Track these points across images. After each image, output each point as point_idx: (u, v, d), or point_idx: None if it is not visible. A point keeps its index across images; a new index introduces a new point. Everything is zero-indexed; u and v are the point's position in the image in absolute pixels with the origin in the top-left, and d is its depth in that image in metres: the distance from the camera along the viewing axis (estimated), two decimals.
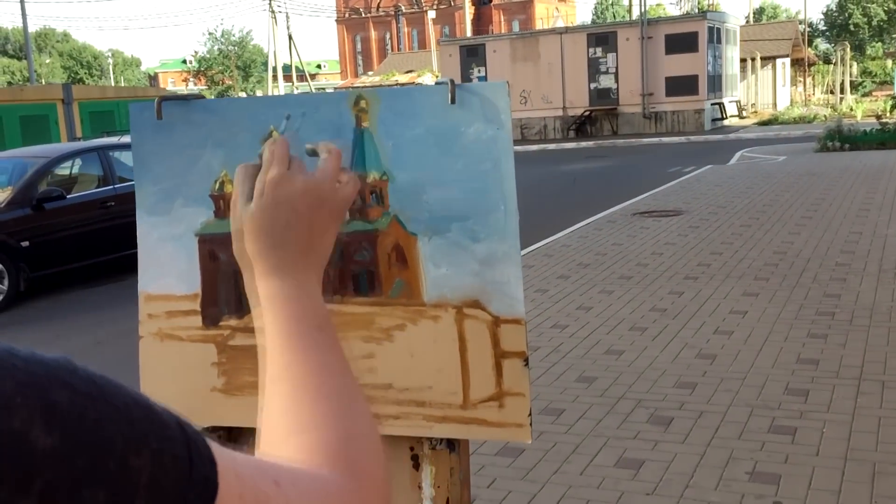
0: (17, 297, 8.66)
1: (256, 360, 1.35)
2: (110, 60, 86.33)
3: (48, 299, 8.92)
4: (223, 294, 1.33)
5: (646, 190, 14.03)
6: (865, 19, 67.25)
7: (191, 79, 79.25)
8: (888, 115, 22.14)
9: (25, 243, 8.84)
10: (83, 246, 9.43)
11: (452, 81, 1.19)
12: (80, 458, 0.48)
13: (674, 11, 63.43)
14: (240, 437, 1.37)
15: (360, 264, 1.25)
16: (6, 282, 8.57)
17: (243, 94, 56.44)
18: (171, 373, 1.35)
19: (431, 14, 61.15)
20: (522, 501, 3.63)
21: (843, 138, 19.03)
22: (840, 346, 5.31)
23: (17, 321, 8.11)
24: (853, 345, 5.31)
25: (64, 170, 10.15)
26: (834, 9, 70.98)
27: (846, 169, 15.02)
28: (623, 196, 13.32)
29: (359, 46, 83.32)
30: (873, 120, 22.63)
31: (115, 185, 9.93)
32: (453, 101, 1.20)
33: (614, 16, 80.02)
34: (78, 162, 10.27)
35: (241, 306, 1.32)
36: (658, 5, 68.36)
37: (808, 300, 6.41)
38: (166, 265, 1.35)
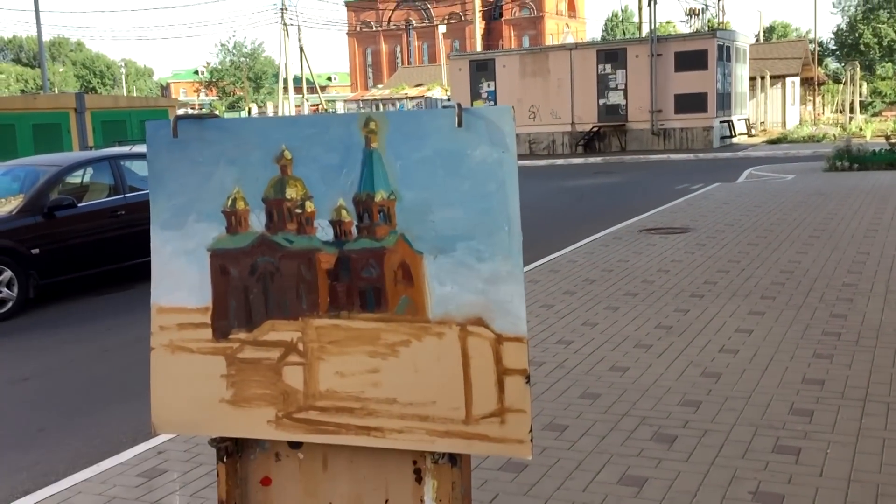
0: (26, 303, 8.72)
1: (264, 373, 1.38)
2: (123, 70, 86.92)
3: (57, 306, 8.97)
4: (233, 308, 1.36)
5: (653, 207, 14.04)
6: (876, 39, 67.25)
7: (202, 89, 79.72)
8: None
9: (36, 250, 8.90)
10: (93, 254, 9.50)
11: (460, 105, 1.22)
12: None
13: (684, 29, 63.59)
14: (245, 447, 1.40)
15: (367, 281, 1.28)
16: (16, 288, 8.63)
17: (254, 106, 56.72)
18: (181, 384, 1.38)
19: (442, 28, 61.41)
20: None
21: (852, 158, 19.01)
22: (846, 366, 5.30)
23: (26, 327, 8.16)
24: (859, 366, 5.30)
25: (76, 178, 10.23)
26: (844, 28, 71.03)
27: (854, 189, 15.00)
28: (630, 212, 13.33)
29: (369, 59, 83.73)
30: (882, 140, 22.61)
31: (126, 195, 10.00)
32: (460, 125, 1.23)
33: (624, 33, 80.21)
34: (90, 171, 10.35)
35: (250, 320, 1.35)
36: (668, 23, 68.51)
37: (814, 320, 6.41)
38: (179, 279, 1.38)
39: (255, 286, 1.36)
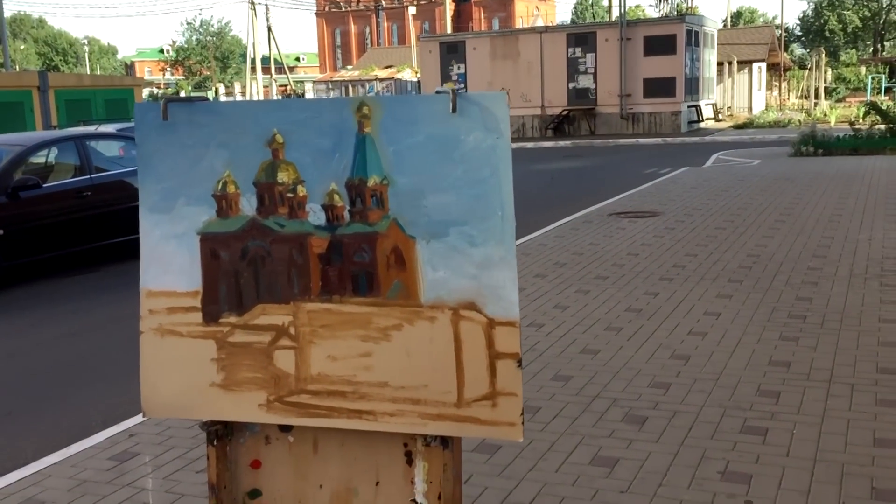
0: None
1: (255, 357, 1.38)
2: (86, 48, 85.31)
3: (23, 289, 8.84)
4: (224, 292, 1.36)
5: (622, 190, 14.14)
6: (840, 26, 68.10)
7: (168, 69, 78.53)
8: (861, 121, 22.44)
9: (0, 232, 8.74)
10: (59, 236, 9.36)
11: (454, 91, 1.23)
12: None
13: (653, 13, 63.80)
14: (236, 430, 1.40)
15: (360, 265, 1.28)
16: None
17: (221, 86, 56.02)
18: (170, 368, 1.37)
19: (412, 10, 61.05)
20: (498, 498, 3.67)
21: (816, 144, 19.28)
22: (811, 348, 5.41)
23: None
24: (824, 348, 5.40)
25: (40, 158, 10.05)
26: (810, 14, 71.79)
27: (819, 174, 15.23)
28: (600, 196, 13.41)
29: (338, 40, 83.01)
30: (846, 126, 22.95)
31: (92, 175, 9.85)
32: (454, 110, 1.24)
33: (594, 16, 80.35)
34: (54, 151, 10.17)
35: (241, 304, 1.35)
36: (637, 7, 68.69)
37: (780, 303, 6.51)
38: (168, 262, 1.37)
39: (246, 270, 1.36)
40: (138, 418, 4.84)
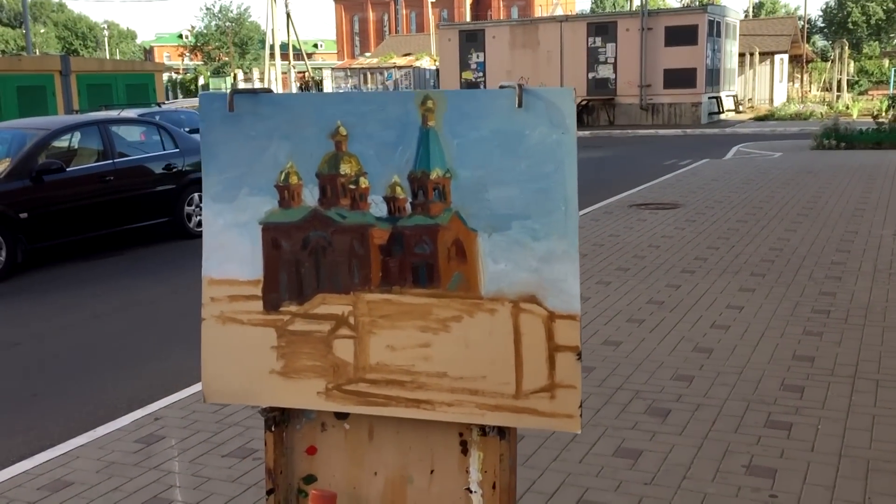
0: (14, 268, 8.66)
1: (314, 345, 1.40)
2: (106, 32, 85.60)
3: (45, 272, 8.93)
4: (284, 281, 1.38)
5: (642, 182, 14.09)
6: (864, 17, 67.32)
7: (187, 54, 78.72)
8: (884, 114, 22.21)
9: (24, 215, 8.83)
10: (81, 220, 9.44)
11: (520, 86, 1.24)
12: None
13: (674, 3, 63.33)
14: (292, 417, 1.42)
15: (420, 257, 1.30)
16: (4, 253, 8.57)
17: (240, 72, 56.11)
18: (231, 355, 1.39)
19: None
20: (522, 488, 3.69)
21: (839, 137, 19.12)
22: (835, 343, 5.39)
23: (15, 292, 8.12)
24: (848, 343, 5.38)
25: (63, 142, 10.12)
26: (833, 6, 71.00)
27: (842, 167, 15.10)
28: (620, 187, 13.37)
29: (356, 27, 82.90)
30: (869, 119, 22.72)
31: (115, 160, 9.92)
32: (520, 105, 1.24)
33: (614, 5, 79.79)
34: (77, 135, 10.24)
35: (301, 293, 1.37)
36: None
37: (803, 297, 6.49)
38: (230, 251, 1.39)
39: (307, 260, 1.38)
40: (163, 402, 4.90)
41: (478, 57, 33.01)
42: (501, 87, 1.27)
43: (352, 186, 1.35)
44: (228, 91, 1.30)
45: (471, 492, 1.32)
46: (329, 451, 1.42)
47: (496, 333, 1.28)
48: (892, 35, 68.65)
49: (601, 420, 4.35)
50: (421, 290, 1.30)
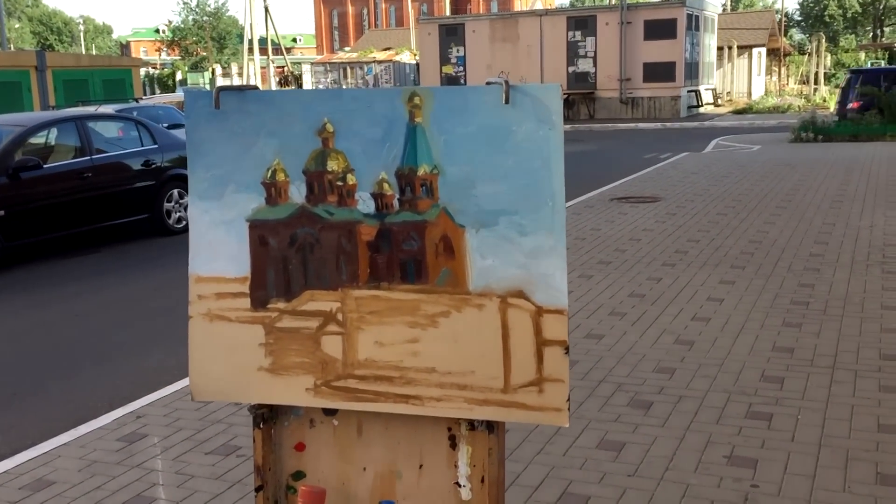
0: None
1: (302, 342, 1.41)
2: (81, 27, 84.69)
3: (24, 270, 8.84)
4: (272, 278, 1.38)
5: (623, 175, 14.16)
6: (840, 11, 67.92)
7: (164, 49, 78.11)
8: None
9: (1, 212, 8.74)
10: (60, 217, 9.35)
11: (507, 82, 1.24)
12: None
13: None
14: (280, 413, 1.42)
15: (408, 253, 1.30)
16: None
17: (217, 67, 55.75)
18: (219, 352, 1.39)
19: None
20: (507, 481, 3.70)
21: (816, 130, 19.30)
22: (814, 335, 5.45)
23: None
24: (827, 334, 5.44)
25: (40, 139, 10.02)
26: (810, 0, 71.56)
27: (819, 160, 15.25)
28: (601, 181, 13.43)
29: (335, 21, 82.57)
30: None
31: (93, 157, 9.83)
32: (507, 101, 1.25)
33: (594, 0, 79.94)
34: (54, 131, 10.14)
35: (289, 290, 1.37)
36: None
37: (782, 289, 6.55)
38: (217, 248, 1.39)
39: (295, 257, 1.38)
40: (145, 400, 4.87)
41: (458, 51, 33.01)
42: (488, 83, 1.27)
43: (339, 183, 1.35)
44: (212, 88, 1.30)
45: (459, 486, 1.33)
46: (318, 447, 1.43)
47: (484, 328, 1.29)
48: (868, 28, 69.32)
49: (585, 413, 4.37)
50: (409, 286, 1.31)
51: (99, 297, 7.62)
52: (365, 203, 1.35)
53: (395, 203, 1.34)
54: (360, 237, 1.35)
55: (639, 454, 3.88)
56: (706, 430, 4.09)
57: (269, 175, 1.37)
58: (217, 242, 1.38)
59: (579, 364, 5.08)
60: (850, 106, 21.07)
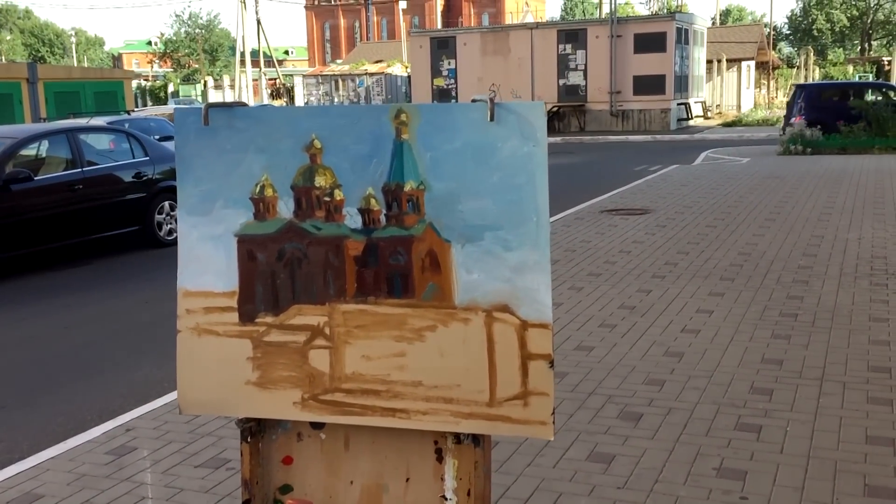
0: None
1: (290, 356, 1.42)
2: (73, 39, 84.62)
3: (14, 282, 8.81)
4: (260, 292, 1.39)
5: (613, 188, 14.21)
6: (828, 25, 68.49)
7: (156, 61, 78.13)
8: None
9: None
10: (50, 229, 9.33)
11: (492, 100, 1.26)
12: None
13: (643, 11, 63.93)
14: (268, 427, 1.43)
15: (395, 268, 1.31)
16: None
17: (210, 79, 55.79)
18: (207, 366, 1.40)
19: (402, 4, 60.92)
20: (496, 494, 3.70)
21: (805, 142, 19.42)
22: (803, 346, 5.47)
23: None
24: (815, 346, 5.47)
25: (31, 151, 10.01)
26: (798, 13, 72.15)
27: (808, 173, 15.34)
28: (591, 193, 13.48)
29: (328, 34, 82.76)
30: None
31: (84, 169, 9.82)
32: (492, 119, 1.27)
33: (584, 13, 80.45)
34: (46, 144, 10.13)
35: (277, 304, 1.38)
36: (627, 3, 68.77)
37: (772, 301, 6.58)
38: (205, 263, 1.40)
39: (283, 271, 1.39)
40: (135, 413, 4.86)
41: (449, 64, 33.12)
42: (474, 100, 1.29)
43: (327, 199, 1.37)
44: (204, 100, 1.31)
45: (446, 499, 1.34)
46: (305, 460, 1.44)
47: (470, 342, 1.30)
48: (855, 42, 69.90)
49: (574, 425, 4.38)
50: (396, 301, 1.32)
51: (89, 309, 7.59)
52: (352, 218, 1.36)
53: (382, 218, 1.35)
54: (347, 252, 1.36)
55: (628, 466, 3.89)
56: (696, 442, 4.11)
57: (257, 190, 1.38)
58: (206, 257, 1.40)
59: (569, 376, 5.09)
60: (793, 120, 21.76)
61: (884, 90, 22.73)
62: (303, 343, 1.38)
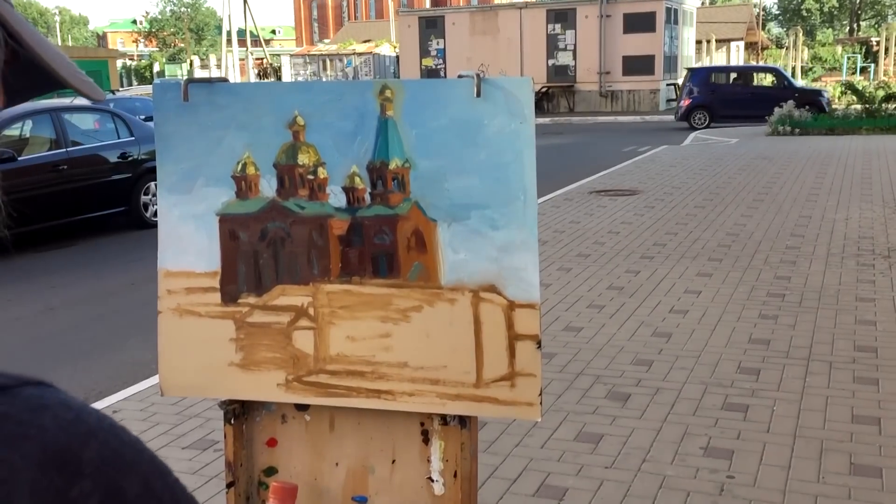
0: None
1: (273, 337, 1.40)
2: (57, 18, 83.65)
3: None
4: (243, 272, 1.37)
5: (602, 168, 14.20)
6: (818, 5, 68.44)
7: (141, 40, 77.41)
8: (837, 101, 22.66)
9: None
10: (35, 209, 9.22)
11: (478, 75, 1.23)
12: None
13: None
14: (252, 409, 1.41)
15: (380, 247, 1.29)
16: None
17: (196, 58, 55.31)
18: (189, 347, 1.38)
19: None
20: (484, 474, 3.71)
21: (793, 123, 19.45)
22: (790, 327, 5.50)
23: None
24: (802, 326, 5.49)
25: (14, 131, 9.90)
26: None
27: (796, 153, 15.37)
28: (580, 174, 13.46)
29: (315, 13, 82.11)
30: None
31: (69, 149, 9.73)
32: (478, 95, 1.24)
33: None
34: (29, 123, 10.02)
35: (259, 284, 1.36)
36: None
37: (759, 281, 6.60)
38: (186, 243, 1.37)
39: (266, 251, 1.36)
40: (121, 394, 4.84)
41: (438, 44, 32.93)
42: (460, 76, 1.27)
43: (310, 177, 1.34)
44: (183, 80, 1.28)
45: (432, 480, 1.33)
46: (290, 442, 1.42)
47: (456, 323, 1.28)
48: (844, 23, 69.92)
49: (562, 405, 4.39)
50: (381, 281, 1.30)
51: (74, 290, 7.54)
52: (336, 197, 1.34)
53: (367, 197, 1.33)
54: (331, 231, 1.34)
55: (616, 446, 3.90)
56: (683, 422, 4.12)
57: (238, 168, 1.35)
58: (187, 237, 1.37)
59: (557, 356, 5.10)
60: (681, 104, 22.44)
61: (773, 73, 23.49)
62: (286, 324, 1.36)
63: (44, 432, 0.48)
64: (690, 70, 24.44)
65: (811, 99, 21.94)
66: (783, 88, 22.33)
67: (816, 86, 28.09)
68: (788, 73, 24.91)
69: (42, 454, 0.47)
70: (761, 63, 27.71)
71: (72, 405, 0.51)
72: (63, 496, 0.47)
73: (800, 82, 24.33)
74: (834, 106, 20.86)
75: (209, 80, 1.34)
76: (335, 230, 1.34)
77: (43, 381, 0.52)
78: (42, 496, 0.46)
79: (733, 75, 23.98)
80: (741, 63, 43.97)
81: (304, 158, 1.34)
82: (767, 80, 23.18)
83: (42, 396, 0.51)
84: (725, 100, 22.25)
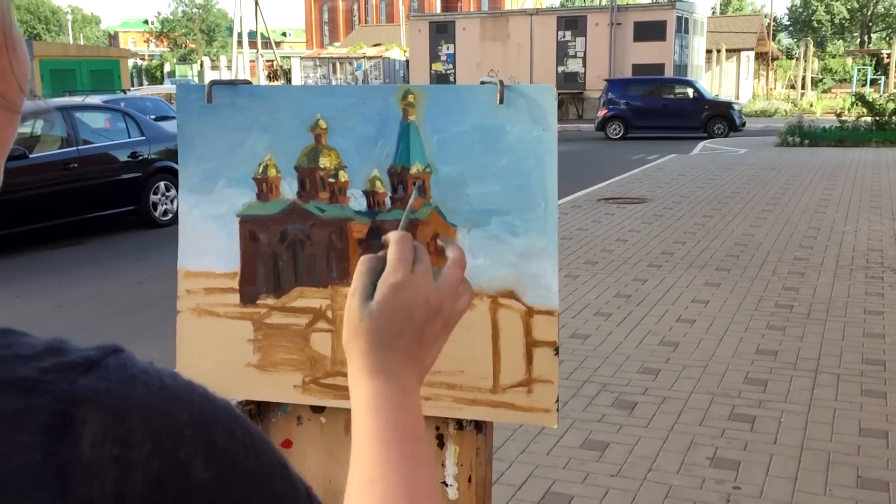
0: None
1: (291, 339, 1.40)
2: (69, 16, 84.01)
3: (7, 260, 8.78)
4: (262, 274, 1.37)
5: (610, 176, 14.20)
6: (828, 17, 68.37)
7: (153, 40, 77.69)
8: (848, 113, 22.62)
9: None
10: (44, 207, 9.28)
11: (501, 82, 1.24)
12: (227, 499, 0.52)
13: None
14: (268, 410, 1.41)
15: None
16: None
17: (206, 59, 55.49)
18: (207, 347, 1.38)
19: None
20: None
21: (803, 134, 19.43)
22: (798, 338, 5.48)
23: None
24: (810, 338, 5.48)
25: (26, 128, 9.94)
26: (798, 4, 71.99)
27: (805, 164, 15.35)
28: (588, 181, 13.47)
29: (326, 16, 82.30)
30: (832, 117, 23.12)
31: (79, 147, 9.77)
32: (501, 101, 1.25)
33: (584, 0, 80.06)
34: (41, 121, 10.06)
35: (278, 286, 1.36)
36: None
37: (767, 292, 6.59)
38: (206, 243, 1.38)
39: (285, 253, 1.37)
40: None
41: (448, 49, 33.00)
42: (483, 82, 1.27)
43: (331, 180, 1.35)
44: (201, 80, 1.29)
45: (447, 485, 1.33)
46: (305, 444, 1.42)
47: (474, 328, 1.29)
48: (855, 34, 69.81)
49: (569, 413, 4.39)
50: None
51: (82, 288, 7.57)
52: (357, 200, 1.34)
53: (388, 201, 1.33)
54: (351, 234, 1.34)
55: (622, 454, 3.90)
56: (690, 432, 4.12)
57: (260, 170, 1.36)
58: (207, 237, 1.38)
59: (564, 364, 5.10)
60: (598, 114, 22.76)
61: (687, 86, 23.79)
62: (304, 326, 1.36)
63: (143, 402, 0.51)
64: (608, 81, 24.74)
65: (722, 111, 22.32)
66: (695, 100, 22.66)
67: (727, 99, 28.32)
68: (704, 87, 25.22)
69: (148, 424, 0.50)
70: (680, 77, 28.02)
71: (149, 370, 0.54)
72: (174, 459, 0.50)
73: (710, 95, 24.63)
74: (844, 117, 20.79)
75: (233, 83, 1.35)
76: (355, 233, 1.34)
77: (116, 346, 0.55)
78: (159, 464, 0.49)
79: (648, 87, 24.11)
80: (751, 73, 43.93)
81: (325, 162, 1.34)
82: (686, 92, 23.40)
83: (125, 366, 0.53)
84: (639, 111, 22.60)
